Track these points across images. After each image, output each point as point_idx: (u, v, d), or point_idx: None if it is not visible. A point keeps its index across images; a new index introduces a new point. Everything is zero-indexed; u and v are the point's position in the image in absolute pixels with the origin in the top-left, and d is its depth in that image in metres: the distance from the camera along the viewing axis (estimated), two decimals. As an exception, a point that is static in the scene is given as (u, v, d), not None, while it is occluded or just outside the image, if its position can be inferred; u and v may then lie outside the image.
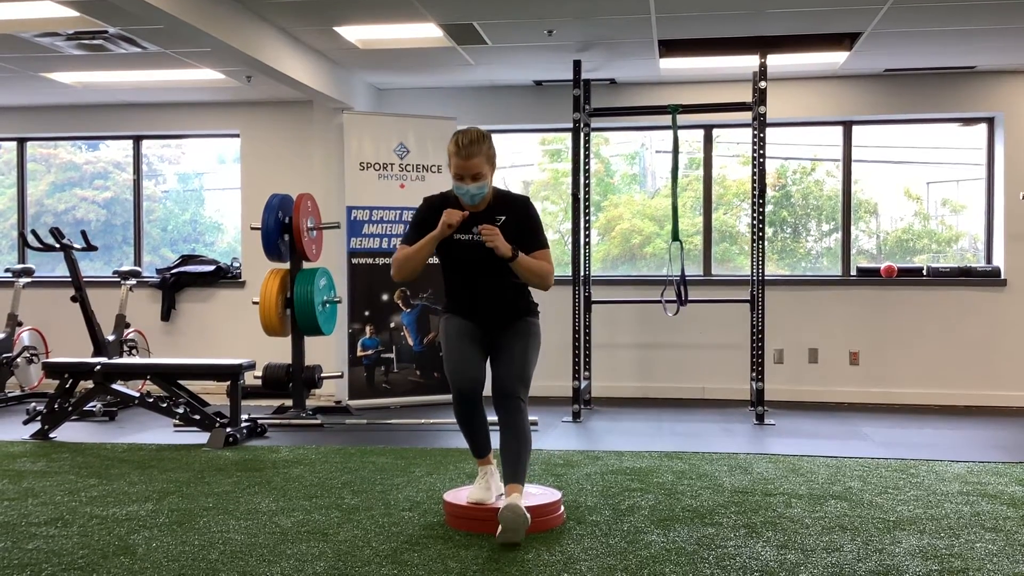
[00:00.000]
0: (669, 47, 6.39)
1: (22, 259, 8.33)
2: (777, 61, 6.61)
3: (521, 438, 3.63)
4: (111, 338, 7.14)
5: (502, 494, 3.79)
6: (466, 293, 3.79)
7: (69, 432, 5.91)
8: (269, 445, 5.54)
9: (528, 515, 3.42)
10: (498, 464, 3.85)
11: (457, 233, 3.69)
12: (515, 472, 3.59)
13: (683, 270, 6.55)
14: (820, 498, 4.17)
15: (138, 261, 8.34)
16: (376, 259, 7.10)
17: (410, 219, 3.87)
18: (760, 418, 6.37)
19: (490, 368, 3.80)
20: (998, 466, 4.88)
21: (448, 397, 6.95)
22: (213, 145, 8.69)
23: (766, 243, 6.50)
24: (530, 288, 3.83)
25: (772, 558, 3.29)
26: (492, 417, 3.93)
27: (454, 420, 6.26)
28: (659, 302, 6.68)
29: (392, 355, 7.13)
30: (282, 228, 6.42)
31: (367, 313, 7.06)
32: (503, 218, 3.72)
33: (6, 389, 7.24)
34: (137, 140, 8.40)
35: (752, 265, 6.61)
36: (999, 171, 7.32)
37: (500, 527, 3.41)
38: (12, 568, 3.20)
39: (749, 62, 6.55)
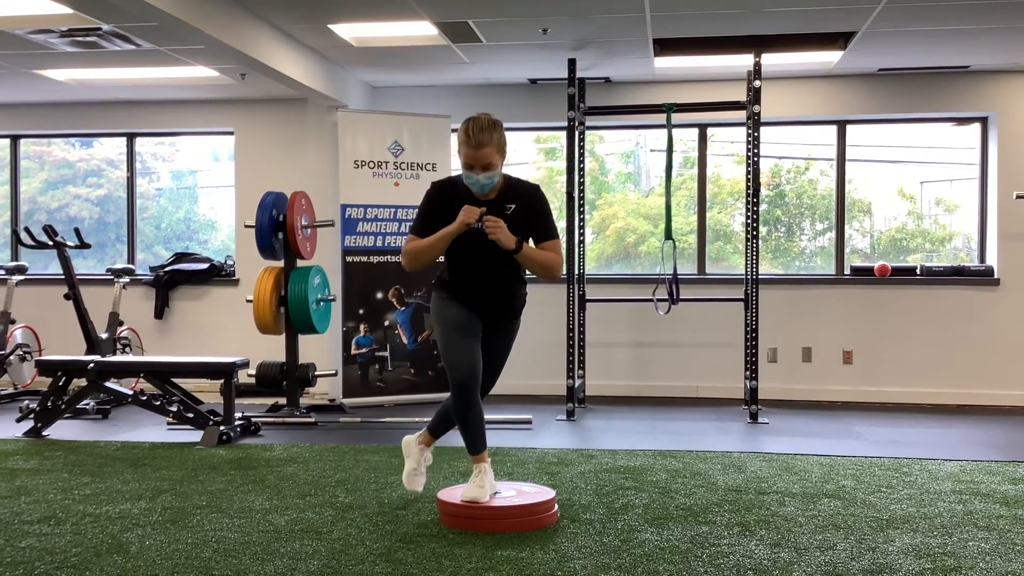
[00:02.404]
0: (664, 46, 6.40)
1: (15, 256, 8.31)
2: (771, 60, 6.62)
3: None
4: (104, 336, 7.12)
5: (497, 492, 3.80)
6: (469, 282, 3.76)
7: (62, 430, 5.90)
8: (263, 443, 5.53)
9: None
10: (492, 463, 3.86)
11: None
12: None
13: (675, 269, 6.56)
14: (813, 497, 4.18)
15: (131, 259, 8.32)
16: (370, 257, 7.09)
17: (419, 208, 3.81)
18: (754, 416, 6.38)
19: None
20: (991, 465, 4.90)
21: (442, 395, 7.03)
22: (207, 143, 8.66)
23: (760, 242, 6.51)
24: (529, 279, 3.86)
25: (766, 556, 3.30)
26: (490, 416, 3.97)
27: (448, 418, 6.26)
28: (651, 301, 6.69)
29: (386, 353, 7.12)
30: (276, 226, 6.41)
31: (361, 311, 7.05)
32: (512, 207, 3.68)
33: (-1, 387, 7.24)
34: (131, 137, 8.38)
35: (746, 264, 6.62)
36: (992, 171, 7.34)
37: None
38: (5, 566, 3.19)
39: (744, 61, 6.56)
